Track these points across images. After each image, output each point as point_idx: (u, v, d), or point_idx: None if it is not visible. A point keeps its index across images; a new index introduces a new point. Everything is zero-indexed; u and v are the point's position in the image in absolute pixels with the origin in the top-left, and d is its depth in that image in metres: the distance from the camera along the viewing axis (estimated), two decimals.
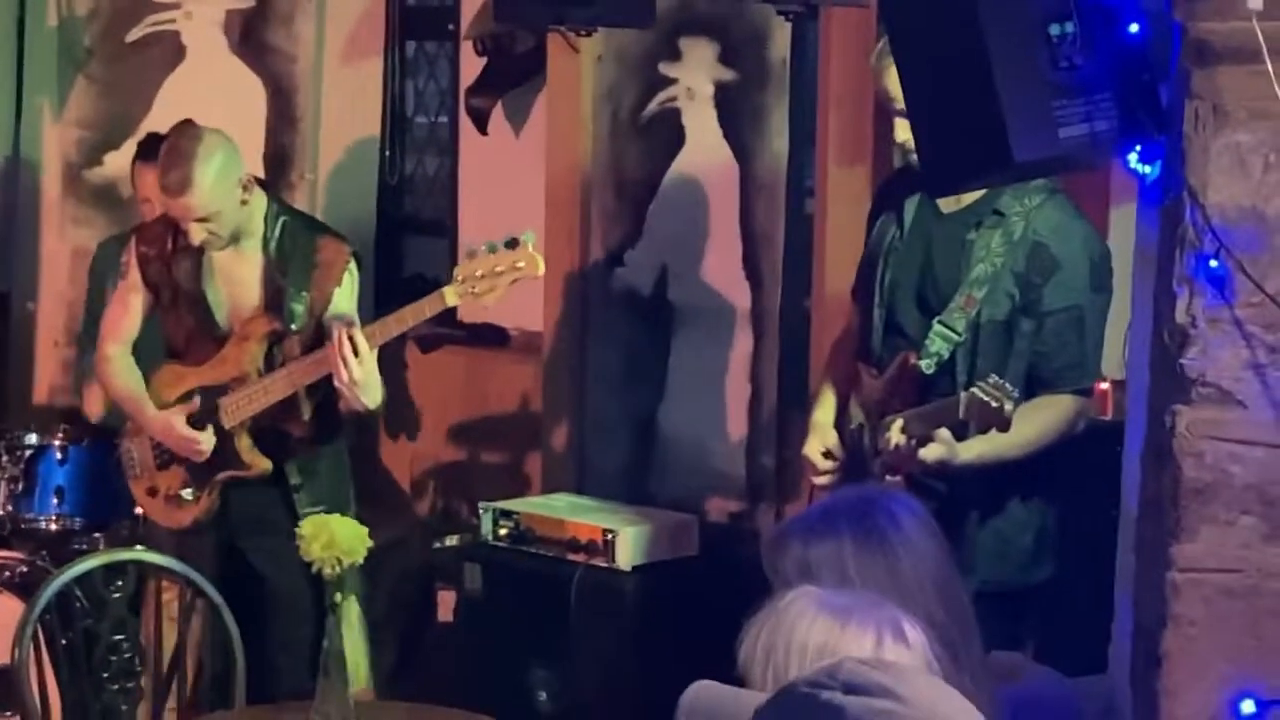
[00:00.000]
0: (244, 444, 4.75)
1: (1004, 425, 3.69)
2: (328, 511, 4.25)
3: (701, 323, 5.43)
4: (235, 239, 4.69)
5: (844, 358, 4.26)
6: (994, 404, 3.67)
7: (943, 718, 1.80)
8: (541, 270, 4.47)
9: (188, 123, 4.71)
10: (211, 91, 6.21)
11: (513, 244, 4.45)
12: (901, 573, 2.55)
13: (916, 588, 2.51)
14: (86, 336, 5.73)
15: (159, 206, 5.25)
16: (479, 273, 4.45)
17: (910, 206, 4.04)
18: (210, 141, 4.59)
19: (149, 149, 5.48)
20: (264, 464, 4.76)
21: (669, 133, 5.50)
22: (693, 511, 5.24)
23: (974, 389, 3.72)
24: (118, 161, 6.25)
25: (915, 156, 3.48)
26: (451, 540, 5.57)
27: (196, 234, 4.62)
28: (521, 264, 4.43)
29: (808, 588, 2.21)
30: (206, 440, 4.72)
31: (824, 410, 4.19)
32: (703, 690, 2.11)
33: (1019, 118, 2.83)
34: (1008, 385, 3.70)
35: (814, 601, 2.16)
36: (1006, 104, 2.82)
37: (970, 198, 3.90)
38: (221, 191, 4.59)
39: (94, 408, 5.55)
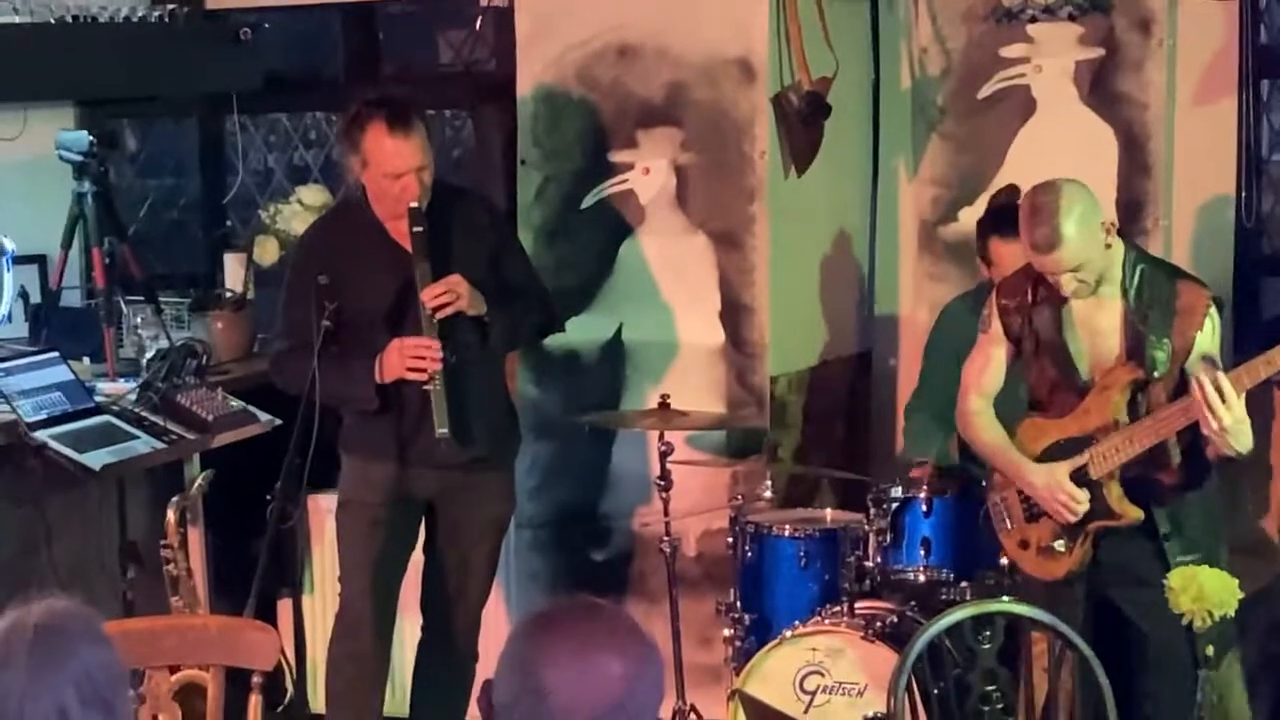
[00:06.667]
0: (1114, 493, 4.73)
1: None
2: (1199, 561, 4.19)
3: None
4: (1099, 284, 4.69)
5: None
6: None
7: None
8: None
9: (1043, 183, 4.73)
10: (1062, 142, 6.22)
11: None
12: None
13: None
14: (917, 396, 5.84)
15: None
16: None
17: None
18: (1069, 193, 4.61)
19: (999, 221, 5.48)
20: (1134, 513, 4.72)
21: None
22: None
23: None
24: (971, 217, 6.33)
25: None
26: None
27: (1068, 285, 4.66)
28: None
29: None
30: (1084, 502, 4.73)
31: None
32: None
33: None
34: None
35: None
36: None
37: None
38: (1086, 240, 4.61)
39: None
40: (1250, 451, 4.53)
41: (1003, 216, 5.37)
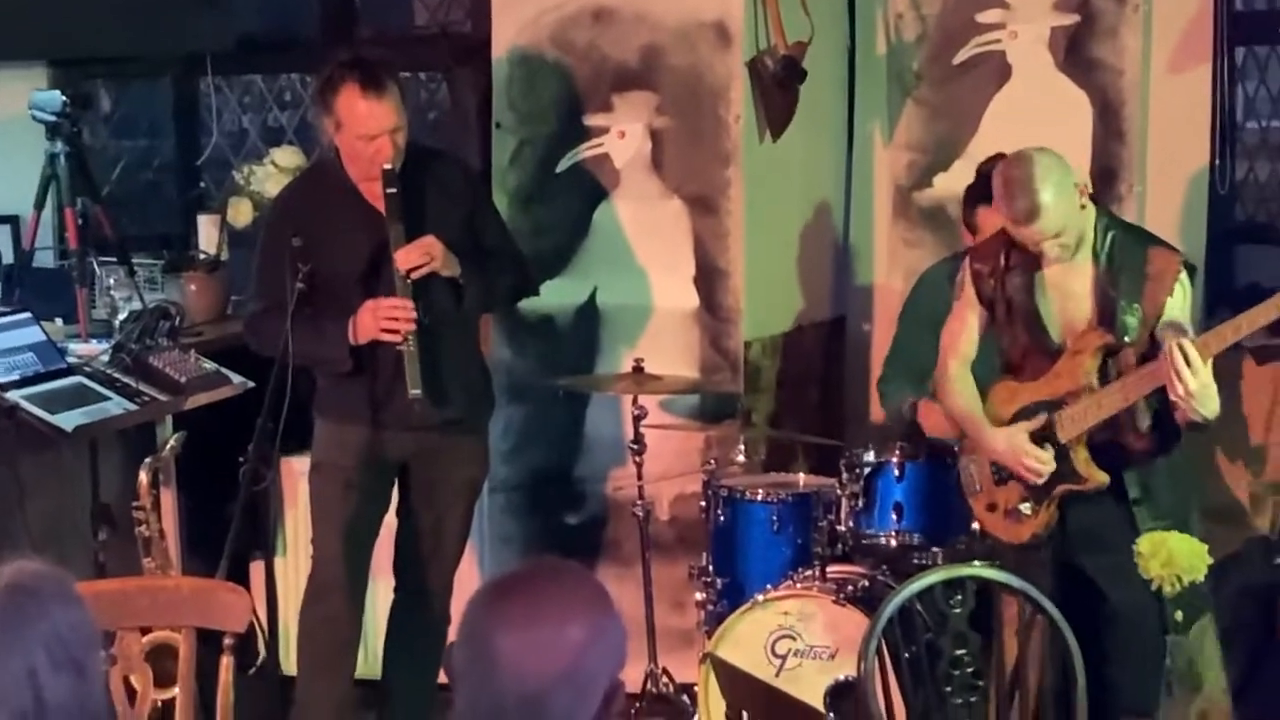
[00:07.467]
0: (1081, 457, 4.74)
1: None
2: (1169, 527, 4.20)
3: None
4: (1079, 245, 4.72)
5: None
6: None
7: None
8: None
9: (1014, 154, 4.73)
10: (1037, 109, 6.22)
11: None
12: None
13: None
14: (890, 365, 5.82)
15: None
16: None
17: None
18: (1043, 164, 4.63)
19: (989, 189, 5.44)
20: (1100, 477, 4.74)
21: None
22: None
23: None
24: (947, 183, 6.34)
25: None
26: None
27: (1051, 250, 4.69)
28: None
29: None
30: (1048, 462, 4.75)
31: None
32: None
33: None
34: None
35: None
36: None
37: None
38: (1064, 205, 4.64)
39: (933, 423, 5.61)
40: (1217, 417, 4.55)
41: (986, 186, 5.37)
